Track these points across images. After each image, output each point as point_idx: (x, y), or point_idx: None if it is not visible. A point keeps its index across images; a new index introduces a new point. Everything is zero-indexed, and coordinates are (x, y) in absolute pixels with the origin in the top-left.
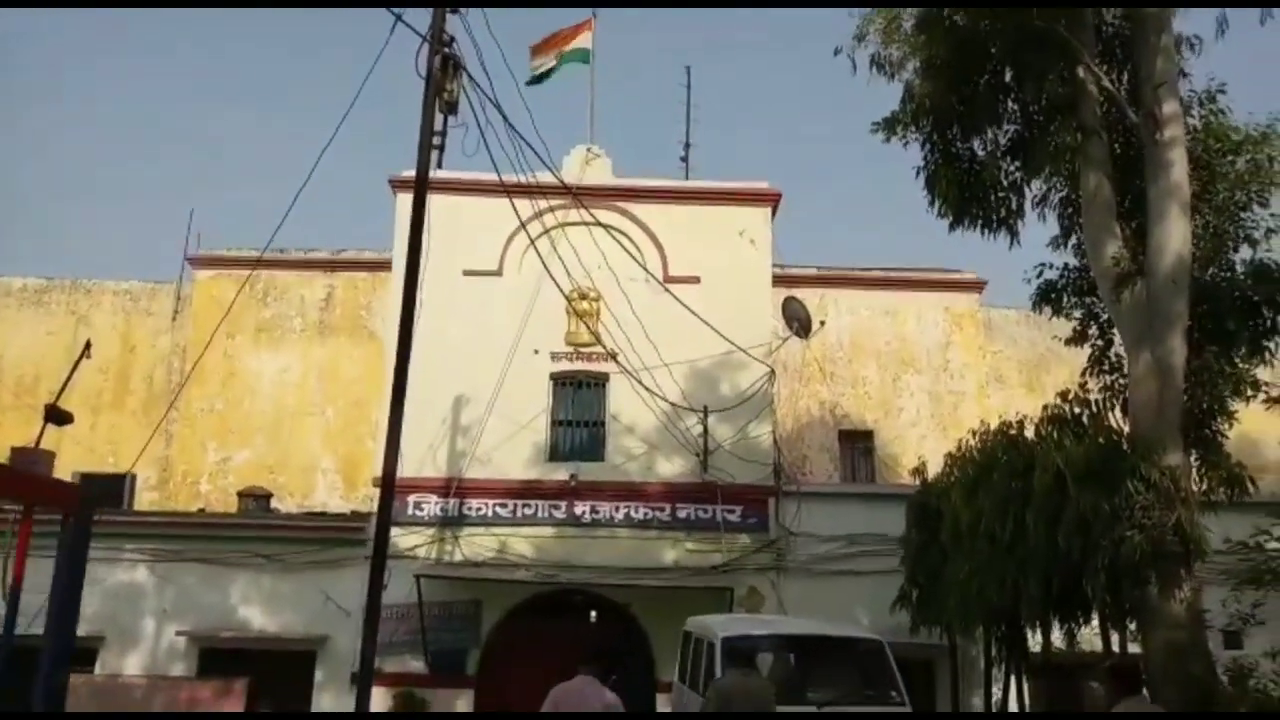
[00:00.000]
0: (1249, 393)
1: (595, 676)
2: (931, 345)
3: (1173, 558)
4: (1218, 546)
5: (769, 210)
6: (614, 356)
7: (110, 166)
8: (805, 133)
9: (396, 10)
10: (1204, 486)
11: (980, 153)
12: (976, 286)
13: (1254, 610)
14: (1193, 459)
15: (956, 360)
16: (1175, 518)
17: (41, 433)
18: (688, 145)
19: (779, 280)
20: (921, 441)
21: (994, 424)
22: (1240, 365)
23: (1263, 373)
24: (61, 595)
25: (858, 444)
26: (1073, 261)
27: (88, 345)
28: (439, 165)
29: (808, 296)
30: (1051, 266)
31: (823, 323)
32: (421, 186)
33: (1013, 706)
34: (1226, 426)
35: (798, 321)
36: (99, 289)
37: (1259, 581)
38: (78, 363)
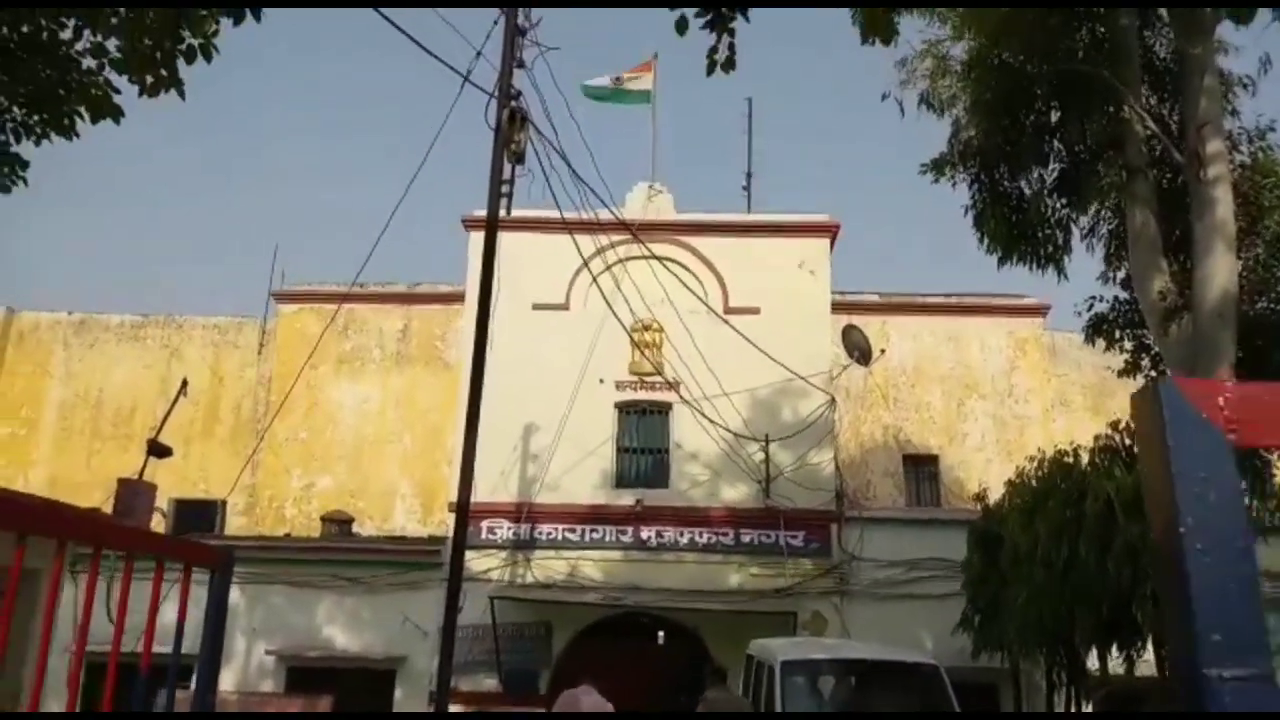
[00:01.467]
0: None
1: (592, 687)
2: (995, 370)
3: None
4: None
5: (828, 241)
6: (674, 387)
7: (193, 207)
8: (865, 156)
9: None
10: (1254, 515)
11: (1027, 191)
12: (1040, 311)
13: None
14: (1242, 488)
15: (1021, 385)
16: None
17: (144, 465)
18: (749, 175)
19: (840, 307)
20: (987, 466)
21: (1059, 448)
22: None
23: None
24: (212, 632)
25: (922, 468)
26: (1122, 294)
27: (184, 384)
28: (508, 211)
29: (869, 322)
30: (1102, 299)
31: (883, 351)
32: (491, 233)
33: None
34: (1276, 456)
35: (858, 350)
36: (190, 324)
37: None
38: (176, 400)
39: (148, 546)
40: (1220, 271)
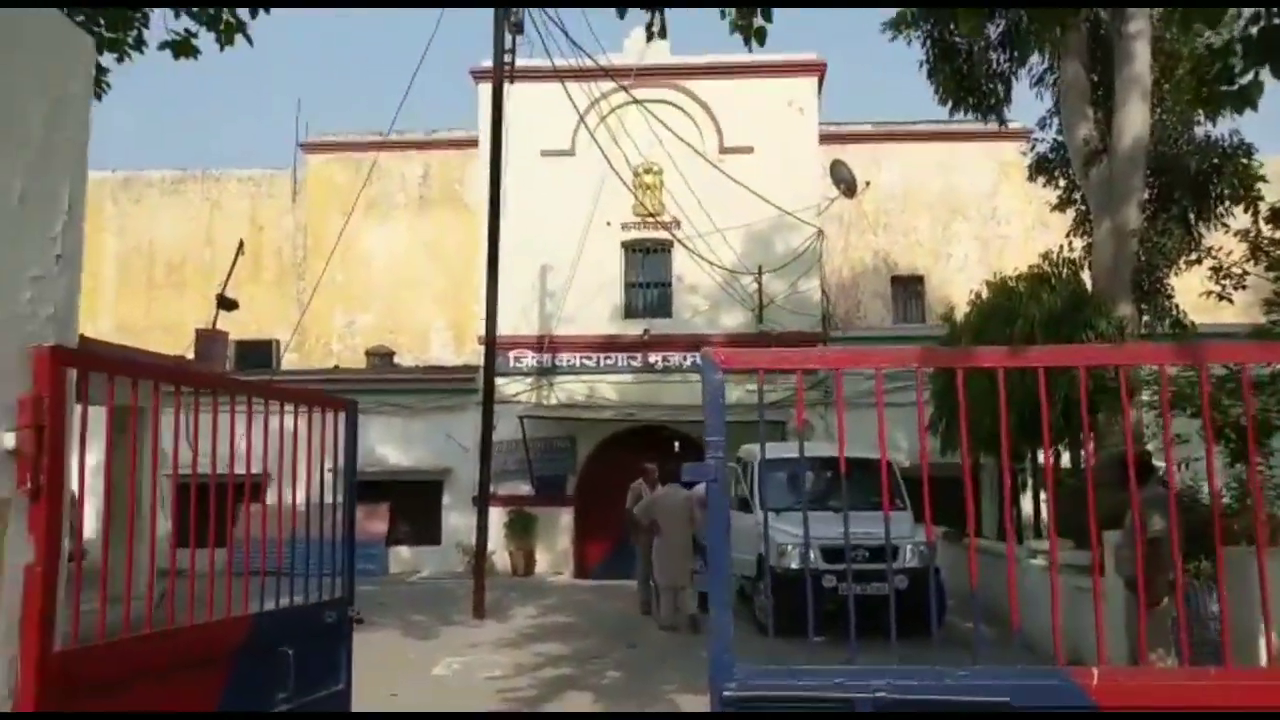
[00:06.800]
0: (1191, 254)
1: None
2: (980, 193)
3: (1114, 391)
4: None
5: (816, 80)
6: (667, 226)
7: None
8: None
9: None
10: (1155, 329)
11: (974, 47)
12: (1024, 136)
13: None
14: (1144, 309)
15: (1004, 207)
16: None
17: (215, 317)
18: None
19: (834, 138)
20: (969, 285)
21: (1003, 275)
22: (1195, 225)
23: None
24: (348, 457)
25: (909, 288)
26: (1061, 138)
27: (240, 244)
28: (510, 80)
29: (860, 152)
30: (1043, 142)
31: (868, 183)
32: (498, 106)
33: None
34: (1174, 279)
35: (844, 183)
36: (226, 177)
37: (1178, 407)
38: (236, 259)
39: (302, 399)
40: (1134, 120)
